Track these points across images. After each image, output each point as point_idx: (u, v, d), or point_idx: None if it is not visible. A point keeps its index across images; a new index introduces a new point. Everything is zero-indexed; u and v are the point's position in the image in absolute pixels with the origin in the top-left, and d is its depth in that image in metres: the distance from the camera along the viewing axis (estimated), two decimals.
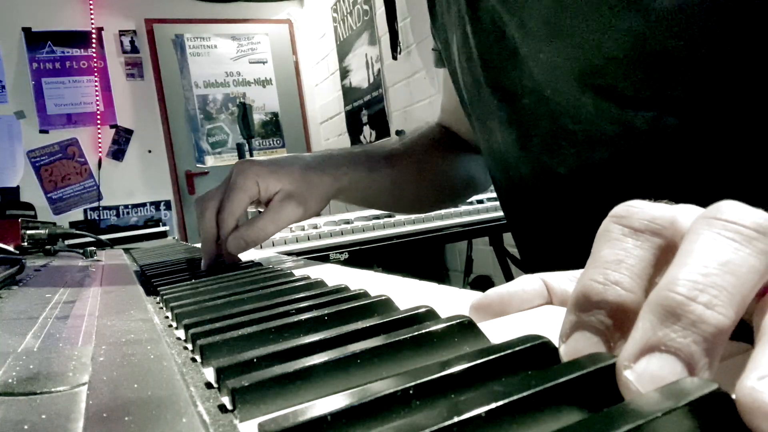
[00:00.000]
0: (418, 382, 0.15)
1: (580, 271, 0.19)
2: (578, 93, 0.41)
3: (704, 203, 0.39)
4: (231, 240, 0.54)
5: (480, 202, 1.26)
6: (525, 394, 0.13)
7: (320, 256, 0.91)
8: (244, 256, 0.63)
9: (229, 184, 0.56)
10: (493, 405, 0.13)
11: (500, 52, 0.47)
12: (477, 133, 0.58)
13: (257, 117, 4.07)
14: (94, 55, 3.74)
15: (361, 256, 0.98)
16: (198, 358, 0.22)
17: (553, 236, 0.51)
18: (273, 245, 0.99)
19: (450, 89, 0.69)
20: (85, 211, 3.73)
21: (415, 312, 0.23)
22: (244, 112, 2.62)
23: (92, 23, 3.73)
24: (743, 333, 0.16)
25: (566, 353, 0.17)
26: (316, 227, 1.11)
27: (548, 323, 0.22)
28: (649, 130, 0.39)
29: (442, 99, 0.79)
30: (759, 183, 0.38)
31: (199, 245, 0.62)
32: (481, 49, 0.49)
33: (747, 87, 0.36)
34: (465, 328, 0.20)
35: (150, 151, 3.89)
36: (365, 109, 3.59)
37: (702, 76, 0.37)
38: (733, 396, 0.13)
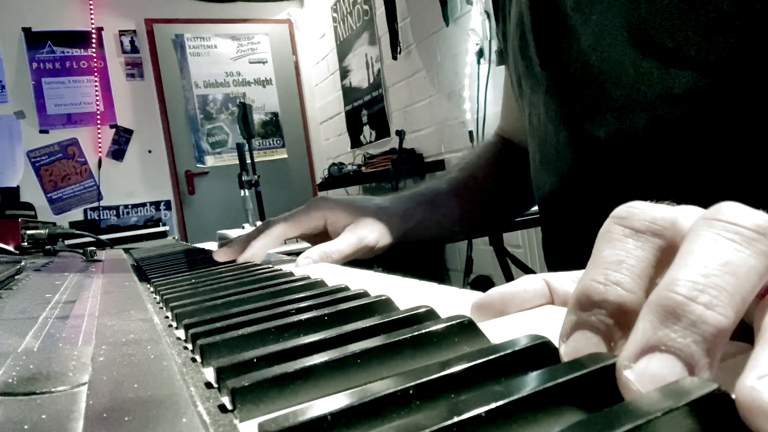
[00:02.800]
0: (418, 382, 0.15)
1: (582, 271, 0.19)
2: (623, 54, 0.44)
3: (727, 184, 0.41)
4: (304, 256, 0.55)
5: None
6: (525, 394, 0.13)
7: None
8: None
9: (298, 210, 0.60)
10: (493, 405, 0.13)
11: (551, 23, 0.50)
12: (524, 113, 0.60)
13: (257, 117, 4.07)
14: (94, 55, 3.74)
15: None
16: (198, 358, 0.22)
17: (583, 213, 0.52)
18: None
19: (510, 92, 0.70)
20: (85, 211, 3.73)
21: (415, 312, 0.23)
22: (244, 112, 2.62)
23: (92, 23, 3.73)
24: (743, 333, 0.16)
25: (566, 353, 0.17)
26: None
27: (549, 323, 0.22)
28: (685, 93, 0.41)
29: (502, 105, 0.80)
30: None
31: (199, 244, 0.63)
32: (534, 24, 0.52)
33: None
34: (465, 328, 0.20)
35: (150, 151, 3.89)
36: (365, 109, 3.59)
37: (744, 35, 0.38)
38: (733, 396, 0.13)
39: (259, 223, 1.32)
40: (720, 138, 0.41)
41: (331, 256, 0.56)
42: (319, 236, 0.60)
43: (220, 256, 0.61)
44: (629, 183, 0.46)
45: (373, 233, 0.59)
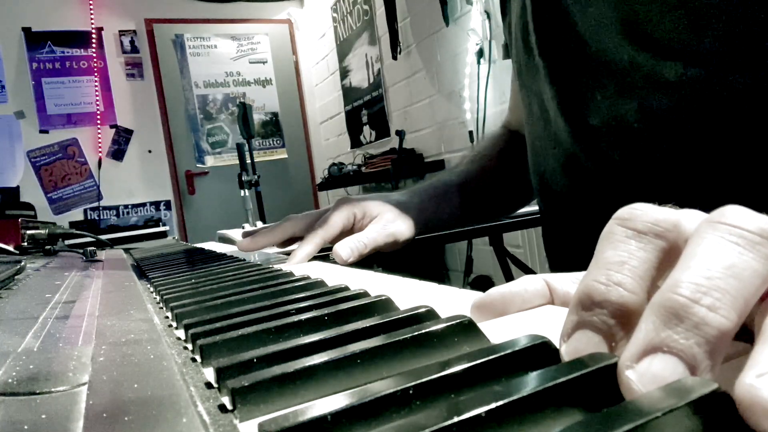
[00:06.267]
0: (418, 382, 0.15)
1: (583, 273, 0.19)
2: (618, 45, 0.45)
3: (717, 173, 0.42)
4: (342, 244, 0.58)
5: None
6: (525, 394, 0.13)
7: (320, 256, 0.91)
8: (245, 256, 0.63)
9: (328, 211, 0.63)
10: (493, 405, 0.13)
11: (552, 14, 0.52)
12: (523, 101, 0.62)
13: (257, 117, 4.07)
14: (94, 55, 3.74)
15: None
16: (198, 358, 0.22)
17: (580, 199, 0.53)
18: (274, 245, 0.98)
19: (514, 85, 0.73)
20: (85, 211, 3.73)
21: (415, 312, 0.23)
22: (244, 112, 2.62)
23: (92, 23, 3.73)
24: (744, 337, 0.16)
25: (567, 352, 0.17)
26: None
27: (549, 323, 0.22)
28: (674, 83, 0.42)
29: (510, 98, 0.83)
30: None
31: (199, 244, 0.63)
32: (535, 15, 0.54)
33: None
34: (465, 328, 0.20)
35: (150, 151, 3.89)
36: (365, 109, 3.59)
37: (730, 28, 0.39)
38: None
39: (259, 223, 1.32)
40: (709, 127, 0.42)
41: (365, 246, 0.58)
42: (343, 234, 0.62)
43: (247, 245, 0.64)
44: (623, 168, 0.48)
45: (398, 226, 0.62)
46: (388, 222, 0.62)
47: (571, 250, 0.57)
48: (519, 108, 0.76)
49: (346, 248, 0.57)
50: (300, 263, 0.58)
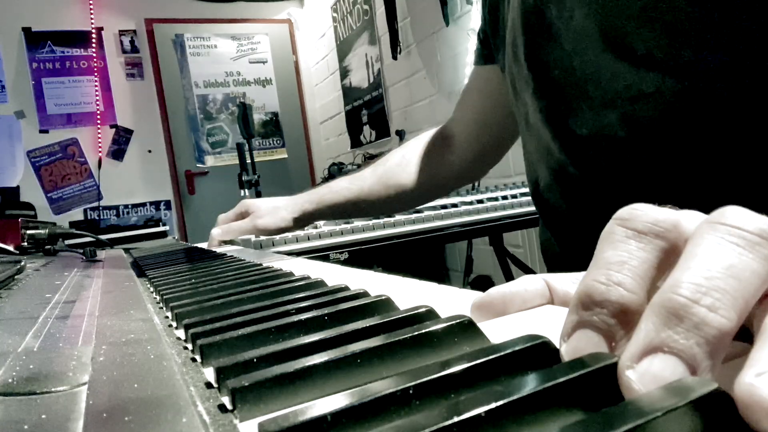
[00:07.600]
0: (418, 382, 0.15)
1: (583, 273, 0.19)
2: (600, 57, 0.47)
3: (700, 178, 0.44)
4: (216, 228, 0.93)
5: (480, 202, 1.26)
6: (525, 394, 0.13)
7: (320, 255, 0.91)
8: (248, 257, 0.63)
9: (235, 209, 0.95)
10: (493, 405, 0.13)
11: (538, 30, 0.54)
12: (516, 110, 0.65)
13: (257, 117, 4.07)
14: (94, 55, 3.74)
15: (361, 256, 0.98)
16: (198, 358, 0.22)
17: (574, 204, 0.56)
18: (273, 245, 0.99)
19: (469, 90, 0.84)
20: (85, 211, 3.73)
21: (415, 312, 0.23)
22: (244, 112, 2.62)
23: (92, 23, 3.73)
24: (744, 338, 0.16)
25: (567, 352, 0.17)
26: (316, 227, 1.11)
27: (549, 323, 0.22)
28: (654, 93, 0.44)
29: (457, 103, 0.90)
30: (754, 174, 0.41)
31: (199, 244, 0.63)
32: (524, 30, 0.56)
33: (749, 67, 0.40)
34: (465, 328, 0.20)
35: (150, 151, 3.89)
36: (365, 109, 3.58)
37: (705, 40, 0.41)
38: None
39: None
40: (691, 135, 0.43)
41: (237, 231, 0.90)
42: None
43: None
44: (611, 176, 0.49)
45: (264, 220, 0.89)
46: (256, 217, 0.90)
47: (567, 256, 0.58)
48: (462, 120, 0.87)
49: (217, 230, 0.92)
50: (216, 238, 0.92)
